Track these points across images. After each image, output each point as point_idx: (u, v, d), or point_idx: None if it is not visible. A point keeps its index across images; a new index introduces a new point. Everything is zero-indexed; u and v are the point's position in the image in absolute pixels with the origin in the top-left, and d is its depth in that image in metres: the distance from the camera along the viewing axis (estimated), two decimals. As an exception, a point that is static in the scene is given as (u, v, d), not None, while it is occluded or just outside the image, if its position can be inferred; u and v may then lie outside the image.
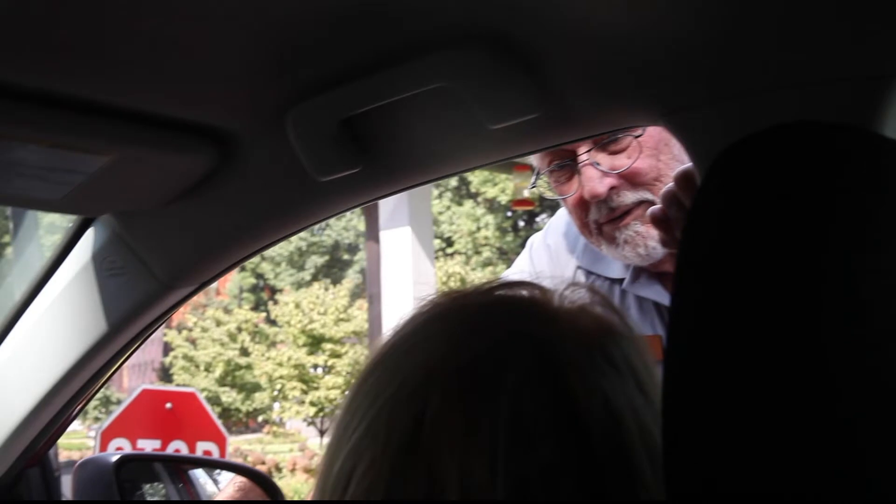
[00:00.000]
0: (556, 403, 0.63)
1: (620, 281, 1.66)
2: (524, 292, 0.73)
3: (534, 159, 1.63)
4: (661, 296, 1.61)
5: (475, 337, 0.68)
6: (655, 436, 0.64)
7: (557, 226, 1.82)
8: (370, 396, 0.69)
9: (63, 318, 1.40)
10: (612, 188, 1.52)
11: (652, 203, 1.46)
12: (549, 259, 1.79)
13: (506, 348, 0.66)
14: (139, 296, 1.34)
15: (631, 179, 1.52)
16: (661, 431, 0.56)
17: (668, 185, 1.11)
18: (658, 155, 1.51)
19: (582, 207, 1.58)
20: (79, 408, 1.54)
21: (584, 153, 1.52)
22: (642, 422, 0.65)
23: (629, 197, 1.52)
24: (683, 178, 1.07)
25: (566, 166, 1.57)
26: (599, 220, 1.56)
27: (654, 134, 1.51)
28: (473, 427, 0.63)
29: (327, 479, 0.69)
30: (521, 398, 0.63)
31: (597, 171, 1.52)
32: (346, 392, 0.73)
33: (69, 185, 1.10)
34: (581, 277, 1.72)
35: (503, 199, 22.39)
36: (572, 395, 0.63)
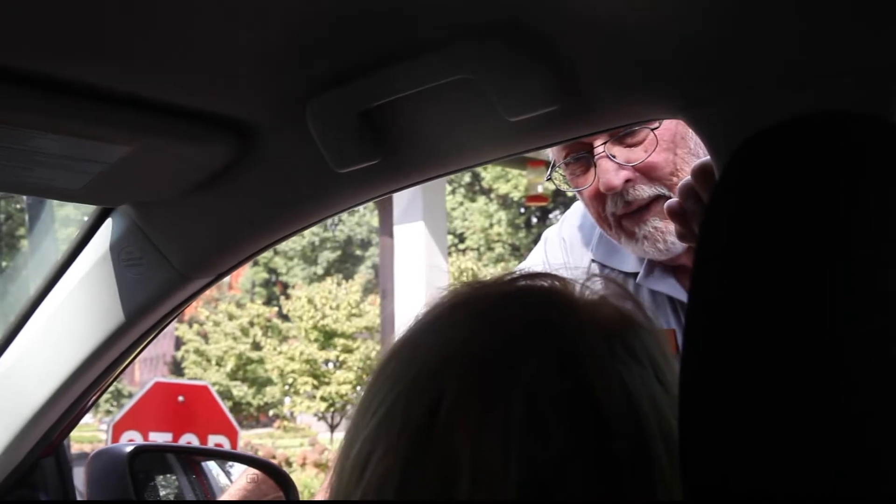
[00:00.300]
0: (574, 393, 0.63)
1: (634, 275, 1.66)
2: (545, 283, 0.73)
3: (550, 152, 1.63)
4: (675, 290, 1.60)
5: (494, 326, 0.68)
6: (673, 427, 0.64)
7: (572, 219, 1.82)
8: (389, 382, 0.69)
9: (80, 308, 1.40)
10: (627, 181, 1.52)
11: (668, 198, 1.46)
12: (564, 252, 1.78)
13: (525, 337, 0.66)
14: (156, 286, 1.34)
15: (647, 173, 1.51)
16: (678, 425, 0.56)
17: (686, 178, 1.11)
18: (675, 149, 1.51)
19: (598, 200, 1.57)
20: (94, 398, 1.55)
21: (600, 145, 1.52)
22: (661, 413, 0.65)
23: (645, 191, 1.52)
24: (701, 172, 1.07)
25: (582, 158, 1.56)
26: (616, 212, 1.55)
27: (671, 128, 1.51)
28: (488, 415, 0.63)
29: (345, 464, 0.69)
30: (538, 387, 0.63)
31: (612, 164, 1.51)
32: (367, 377, 0.73)
33: (89, 174, 1.11)
34: (595, 271, 1.71)
35: (516, 194, 22.36)
36: (591, 385, 0.63)
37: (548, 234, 1.87)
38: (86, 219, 1.40)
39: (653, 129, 1.50)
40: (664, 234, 1.52)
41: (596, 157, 1.53)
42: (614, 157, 1.51)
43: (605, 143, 1.52)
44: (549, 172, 1.66)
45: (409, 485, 0.64)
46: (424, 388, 0.66)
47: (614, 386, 0.64)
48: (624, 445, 0.62)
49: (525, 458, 0.61)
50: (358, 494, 0.67)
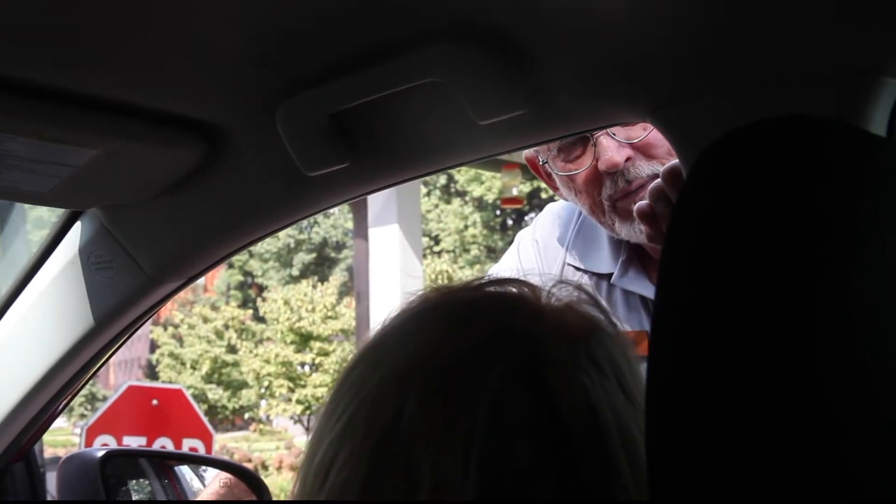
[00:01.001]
0: (537, 401, 0.63)
1: (608, 276, 1.66)
2: (513, 289, 0.73)
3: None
4: (649, 290, 1.61)
5: (460, 333, 0.68)
6: (635, 435, 0.64)
7: (545, 221, 1.82)
8: (354, 388, 0.69)
9: (50, 312, 1.39)
10: (627, 159, 1.51)
11: None
12: (537, 255, 1.78)
13: (489, 345, 0.66)
14: (126, 290, 1.33)
15: (645, 151, 1.50)
16: (645, 427, 0.56)
17: (656, 180, 1.11)
18: None
19: (594, 183, 1.55)
20: (65, 402, 1.54)
21: None
22: (623, 421, 0.65)
23: (644, 169, 1.51)
24: (671, 175, 1.07)
25: (580, 139, 1.55)
26: (615, 194, 1.54)
27: None
28: (451, 422, 0.63)
29: (308, 470, 0.69)
30: (501, 395, 0.63)
31: (613, 142, 1.50)
32: (332, 383, 0.73)
33: (57, 177, 1.10)
34: (569, 273, 1.71)
35: (490, 197, 22.39)
36: (554, 393, 0.63)
37: (521, 236, 1.87)
38: (56, 220, 1.39)
39: None
40: None
41: (594, 136, 1.52)
42: (614, 135, 1.51)
43: None
44: (542, 162, 1.65)
45: (371, 491, 0.64)
46: (389, 394, 0.66)
47: (577, 395, 0.64)
48: (585, 454, 0.62)
49: (486, 467, 0.61)
50: (322, 498, 0.67)
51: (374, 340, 0.73)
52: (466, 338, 0.67)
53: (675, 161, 1.02)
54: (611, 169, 1.51)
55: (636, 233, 1.55)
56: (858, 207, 0.55)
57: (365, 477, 0.64)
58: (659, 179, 1.09)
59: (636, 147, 1.51)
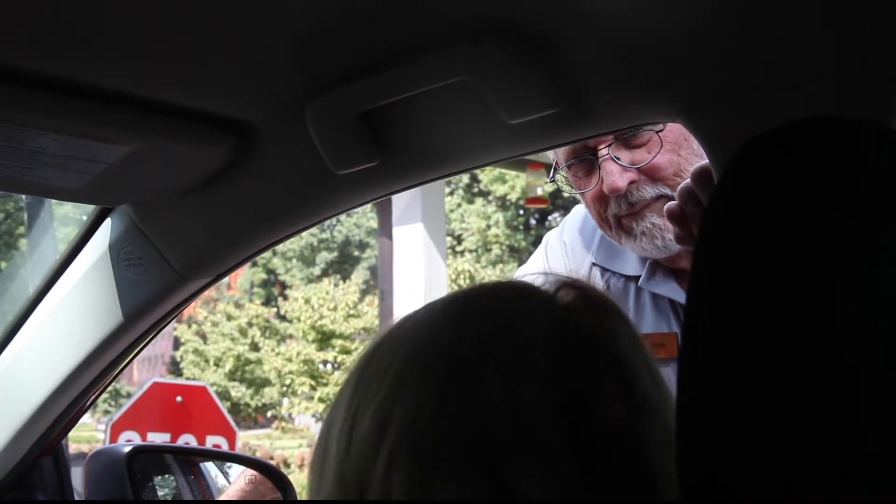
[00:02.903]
0: (541, 403, 0.63)
1: (636, 278, 1.66)
2: (530, 289, 0.74)
3: (552, 153, 1.63)
4: (677, 293, 1.61)
5: (466, 333, 0.68)
6: (643, 437, 0.65)
7: (573, 223, 1.82)
8: (359, 391, 0.69)
9: (79, 309, 1.40)
10: (631, 182, 1.52)
11: (670, 198, 1.46)
12: (565, 256, 1.79)
13: (496, 346, 0.66)
14: (156, 286, 1.34)
15: (650, 174, 1.52)
16: (676, 429, 0.56)
17: (686, 181, 1.11)
18: (678, 150, 1.51)
19: (601, 202, 1.58)
20: (92, 398, 1.55)
21: (604, 148, 1.52)
22: (628, 423, 0.65)
23: (648, 192, 1.52)
24: (700, 175, 1.07)
25: (586, 160, 1.57)
26: (619, 214, 1.55)
27: (675, 129, 1.51)
28: (457, 421, 0.63)
29: (318, 481, 0.70)
30: (506, 397, 0.63)
31: (617, 166, 1.52)
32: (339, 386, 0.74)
33: (89, 174, 1.11)
34: (597, 274, 1.72)
35: (513, 196, 22.34)
36: (560, 395, 0.64)
37: (549, 237, 1.87)
38: (84, 218, 1.40)
39: (657, 132, 1.50)
40: (662, 231, 1.52)
41: (600, 159, 1.53)
42: (619, 159, 1.52)
43: (609, 146, 1.52)
44: (552, 174, 1.66)
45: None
46: (392, 397, 0.66)
47: (582, 396, 0.64)
48: (591, 455, 0.62)
49: (492, 467, 0.61)
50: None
51: (378, 342, 0.74)
52: (471, 338, 0.67)
53: (704, 162, 1.02)
54: (613, 193, 1.53)
55: (641, 249, 1.57)
56: (890, 206, 0.54)
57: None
58: (689, 180, 1.09)
59: (641, 170, 1.51)
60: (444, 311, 0.72)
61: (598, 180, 1.55)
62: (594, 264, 1.73)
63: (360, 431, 0.67)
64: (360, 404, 0.68)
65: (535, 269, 1.80)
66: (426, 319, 0.72)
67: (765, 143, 0.61)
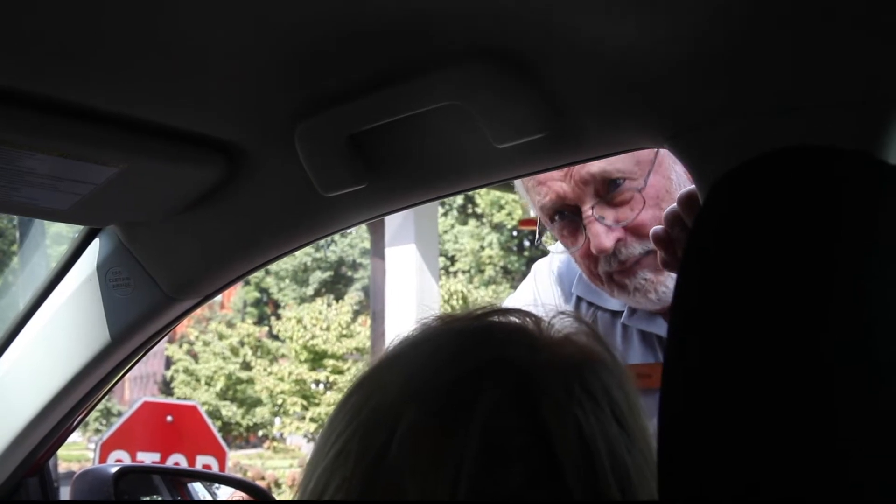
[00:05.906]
0: (528, 432, 0.64)
1: (621, 312, 1.67)
2: (515, 319, 0.74)
3: (535, 212, 1.64)
4: (662, 328, 1.61)
5: (456, 361, 0.68)
6: (628, 466, 0.65)
7: (561, 254, 1.82)
8: (348, 416, 0.70)
9: (67, 328, 1.40)
10: (618, 241, 1.52)
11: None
12: (552, 286, 1.79)
13: (484, 374, 0.66)
14: (144, 307, 1.34)
15: (636, 232, 1.51)
16: (657, 458, 0.56)
17: (672, 205, 1.11)
18: (660, 204, 1.51)
19: (591, 259, 1.57)
20: (80, 418, 1.54)
21: (587, 208, 1.52)
22: (616, 453, 0.65)
23: (636, 248, 1.52)
24: (687, 200, 1.07)
25: (570, 220, 1.57)
26: (609, 271, 1.56)
27: (655, 184, 1.51)
28: (440, 451, 0.63)
29: (303, 496, 0.70)
30: (492, 425, 0.63)
31: (602, 226, 1.51)
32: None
33: (77, 195, 1.11)
34: (583, 308, 1.72)
35: (510, 223, 22.39)
36: (545, 425, 0.64)
37: (538, 267, 1.87)
38: (76, 236, 1.40)
39: (638, 190, 1.50)
40: (655, 286, 1.52)
41: (585, 220, 1.53)
42: (603, 218, 1.52)
43: (592, 207, 1.52)
44: (538, 238, 1.67)
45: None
46: (381, 422, 0.66)
47: (569, 426, 0.64)
48: (576, 485, 0.62)
49: (475, 496, 0.61)
50: None
51: (372, 368, 0.74)
52: (461, 367, 0.68)
53: (691, 187, 1.02)
54: (601, 253, 1.53)
55: (636, 303, 1.58)
56: (873, 236, 0.55)
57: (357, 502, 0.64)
58: (675, 204, 1.09)
59: (627, 228, 1.52)
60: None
61: (584, 239, 1.55)
62: (579, 298, 1.74)
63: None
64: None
65: (523, 300, 1.80)
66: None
67: (749, 171, 0.61)
